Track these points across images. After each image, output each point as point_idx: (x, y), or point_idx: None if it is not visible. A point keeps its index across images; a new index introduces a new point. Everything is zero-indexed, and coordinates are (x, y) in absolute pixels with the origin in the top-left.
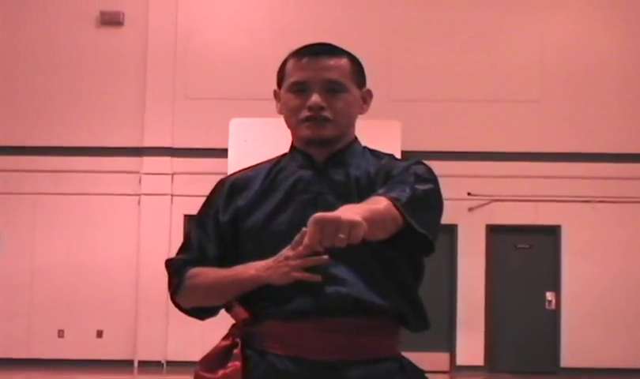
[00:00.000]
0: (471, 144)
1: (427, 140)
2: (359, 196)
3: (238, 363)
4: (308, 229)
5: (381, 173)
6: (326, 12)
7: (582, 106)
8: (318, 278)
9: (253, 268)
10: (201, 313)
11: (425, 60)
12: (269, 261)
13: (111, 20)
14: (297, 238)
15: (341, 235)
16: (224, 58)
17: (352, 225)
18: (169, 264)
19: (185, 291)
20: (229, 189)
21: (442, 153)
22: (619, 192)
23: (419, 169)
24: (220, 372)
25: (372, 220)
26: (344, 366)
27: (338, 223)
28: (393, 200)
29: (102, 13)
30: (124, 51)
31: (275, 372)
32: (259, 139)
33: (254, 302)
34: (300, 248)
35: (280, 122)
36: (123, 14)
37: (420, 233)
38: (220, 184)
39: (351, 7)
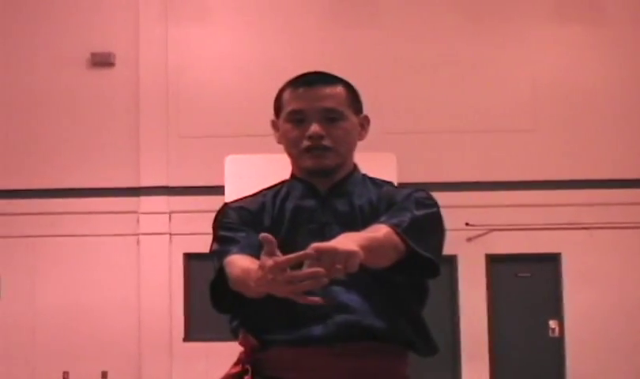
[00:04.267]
0: (467, 175)
1: (423, 171)
2: (364, 225)
3: None
4: (306, 260)
5: (383, 201)
6: (316, 47)
7: (577, 133)
8: (318, 300)
9: (252, 281)
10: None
11: (418, 92)
12: (259, 274)
13: (102, 61)
14: (266, 248)
15: (338, 266)
16: (215, 95)
17: (348, 255)
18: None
19: (228, 278)
20: (247, 212)
21: (438, 184)
22: (617, 217)
23: (420, 195)
24: None
25: (371, 248)
26: None
27: (334, 253)
28: (394, 227)
29: (92, 55)
30: (116, 92)
31: None
32: (255, 175)
33: (262, 330)
34: (287, 257)
35: (274, 158)
36: (114, 55)
37: (425, 256)
38: (232, 206)
39: (341, 42)
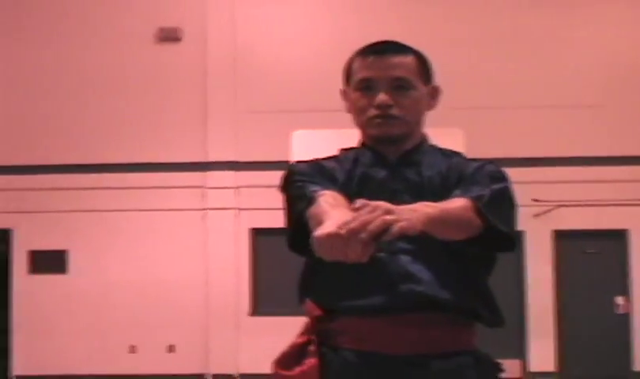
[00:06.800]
0: (535, 150)
1: (490, 147)
2: (433, 195)
3: (314, 360)
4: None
5: (453, 172)
6: (385, 23)
7: None
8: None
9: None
10: None
11: (486, 67)
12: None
13: (170, 36)
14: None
15: (389, 217)
16: (283, 70)
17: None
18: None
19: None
20: (320, 166)
21: (505, 160)
22: None
23: (491, 168)
24: (297, 369)
25: (443, 219)
26: (418, 360)
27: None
28: (474, 201)
29: (160, 30)
30: (184, 67)
31: (350, 367)
32: (322, 150)
33: (328, 298)
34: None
35: (341, 133)
36: (181, 30)
37: (504, 232)
38: (303, 161)
39: (410, 18)
